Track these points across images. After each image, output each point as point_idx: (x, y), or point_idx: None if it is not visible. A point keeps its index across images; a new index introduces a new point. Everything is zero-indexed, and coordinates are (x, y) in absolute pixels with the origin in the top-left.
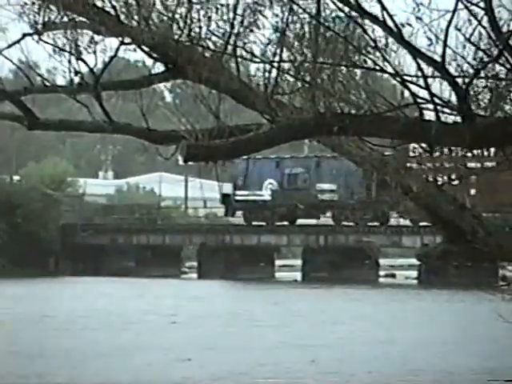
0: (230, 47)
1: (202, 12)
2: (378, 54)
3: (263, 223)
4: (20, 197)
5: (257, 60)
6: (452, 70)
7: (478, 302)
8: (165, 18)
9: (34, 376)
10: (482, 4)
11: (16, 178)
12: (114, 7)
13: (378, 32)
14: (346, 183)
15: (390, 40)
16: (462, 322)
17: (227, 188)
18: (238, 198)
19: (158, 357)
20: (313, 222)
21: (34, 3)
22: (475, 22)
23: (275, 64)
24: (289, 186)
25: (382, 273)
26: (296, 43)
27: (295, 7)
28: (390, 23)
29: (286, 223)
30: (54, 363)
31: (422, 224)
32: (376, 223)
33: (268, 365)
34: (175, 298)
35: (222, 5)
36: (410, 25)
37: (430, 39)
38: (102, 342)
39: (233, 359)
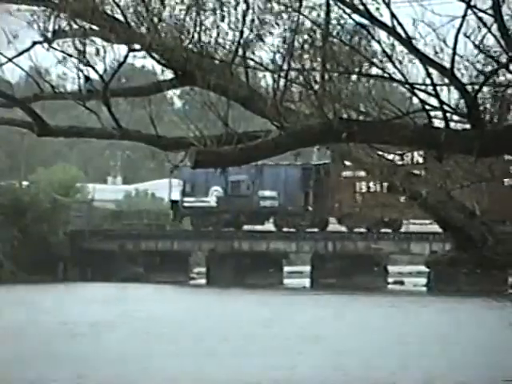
0: (239, 54)
1: (211, 19)
2: (385, 60)
3: (210, 229)
4: (29, 202)
5: (264, 69)
6: (461, 76)
7: None
8: (174, 25)
9: None
10: (490, 11)
11: (25, 183)
12: (123, 14)
13: (386, 40)
14: (286, 190)
15: (398, 47)
16: None
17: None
18: (185, 204)
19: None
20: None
21: (44, 11)
22: (484, 30)
23: (284, 72)
24: (233, 193)
25: (390, 280)
26: (304, 52)
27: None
28: (399, 30)
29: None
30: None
31: (359, 231)
32: (315, 229)
33: None
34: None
35: (229, 13)
36: (419, 33)
37: (439, 46)
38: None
39: None
